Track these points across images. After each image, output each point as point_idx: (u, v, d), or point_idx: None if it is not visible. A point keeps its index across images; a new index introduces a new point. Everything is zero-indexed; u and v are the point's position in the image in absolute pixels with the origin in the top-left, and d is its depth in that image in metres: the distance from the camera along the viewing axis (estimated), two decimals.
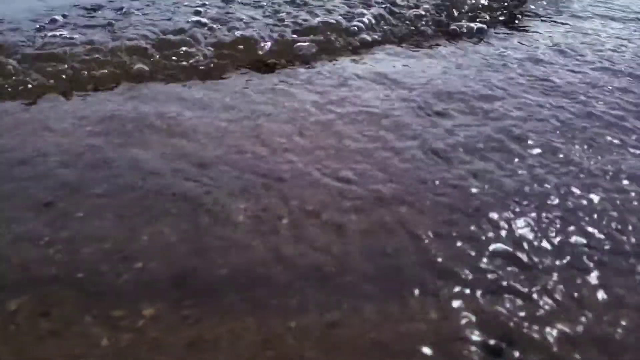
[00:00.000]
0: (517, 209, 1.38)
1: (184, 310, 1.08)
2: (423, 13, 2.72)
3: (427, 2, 2.85)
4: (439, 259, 1.21)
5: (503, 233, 1.30)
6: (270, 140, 1.67)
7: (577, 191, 1.46)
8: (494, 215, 1.35)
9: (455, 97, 2.00)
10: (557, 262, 1.21)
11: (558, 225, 1.33)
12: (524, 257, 1.22)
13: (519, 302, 1.10)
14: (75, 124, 1.74)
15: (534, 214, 1.37)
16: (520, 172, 1.55)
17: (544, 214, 1.37)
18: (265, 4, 2.74)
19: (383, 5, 2.73)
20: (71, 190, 1.41)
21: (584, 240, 1.28)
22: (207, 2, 2.75)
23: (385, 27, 2.60)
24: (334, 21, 2.55)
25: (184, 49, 2.28)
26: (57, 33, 2.30)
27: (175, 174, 1.49)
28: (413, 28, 2.65)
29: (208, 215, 1.34)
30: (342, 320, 1.06)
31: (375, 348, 1.00)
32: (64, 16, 2.54)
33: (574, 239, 1.29)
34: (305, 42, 2.37)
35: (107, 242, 1.24)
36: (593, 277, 1.17)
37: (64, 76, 2.05)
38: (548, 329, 1.04)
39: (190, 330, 1.03)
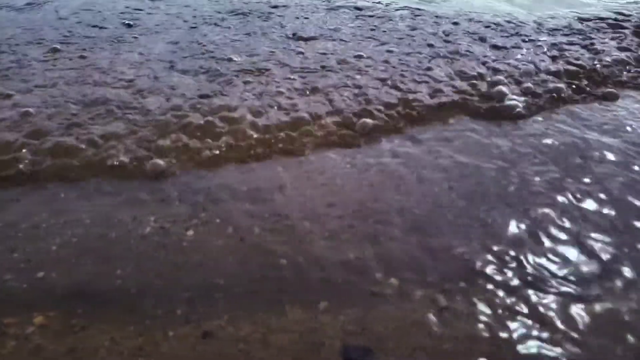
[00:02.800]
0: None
1: (73, 318, 1.16)
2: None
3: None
4: (318, 275, 1.28)
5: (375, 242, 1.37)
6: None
7: None
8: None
9: None
10: (428, 278, 1.28)
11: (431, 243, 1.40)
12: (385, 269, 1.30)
13: (384, 313, 1.18)
14: None
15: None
16: None
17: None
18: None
19: None
20: None
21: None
22: None
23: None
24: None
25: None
26: None
27: (92, 184, 1.57)
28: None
29: (117, 227, 1.41)
30: (217, 331, 1.13)
31: (241, 358, 1.08)
32: None
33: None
34: None
35: (17, 252, 1.33)
36: (461, 287, 1.24)
37: None
38: (405, 340, 1.11)
39: (73, 338, 1.11)
